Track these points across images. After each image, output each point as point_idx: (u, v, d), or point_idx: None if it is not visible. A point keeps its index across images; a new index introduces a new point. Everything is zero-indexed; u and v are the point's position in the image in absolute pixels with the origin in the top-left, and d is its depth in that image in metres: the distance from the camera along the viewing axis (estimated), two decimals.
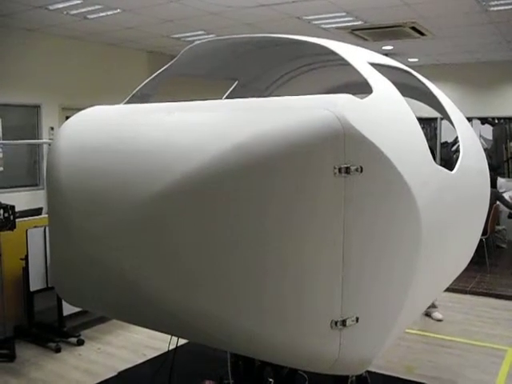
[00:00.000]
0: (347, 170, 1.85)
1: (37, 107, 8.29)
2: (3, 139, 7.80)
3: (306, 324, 1.95)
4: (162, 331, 2.33)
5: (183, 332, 2.25)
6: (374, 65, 2.50)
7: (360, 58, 2.54)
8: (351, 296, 1.97)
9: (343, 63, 2.52)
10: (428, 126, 10.86)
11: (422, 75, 3.14)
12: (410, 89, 3.23)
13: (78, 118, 2.61)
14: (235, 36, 2.92)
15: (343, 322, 1.95)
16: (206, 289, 1.97)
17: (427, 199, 2.20)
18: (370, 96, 2.14)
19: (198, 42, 2.90)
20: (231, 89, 3.81)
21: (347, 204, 1.89)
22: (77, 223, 2.26)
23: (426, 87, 3.08)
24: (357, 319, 1.98)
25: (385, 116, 2.13)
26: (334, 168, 1.84)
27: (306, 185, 1.85)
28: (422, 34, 7.83)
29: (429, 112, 3.79)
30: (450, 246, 2.67)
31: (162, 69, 3.05)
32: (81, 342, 5.00)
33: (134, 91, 3.12)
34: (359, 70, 2.34)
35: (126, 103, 3.01)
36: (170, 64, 3.02)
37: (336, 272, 1.92)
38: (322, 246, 1.91)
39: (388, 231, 2.05)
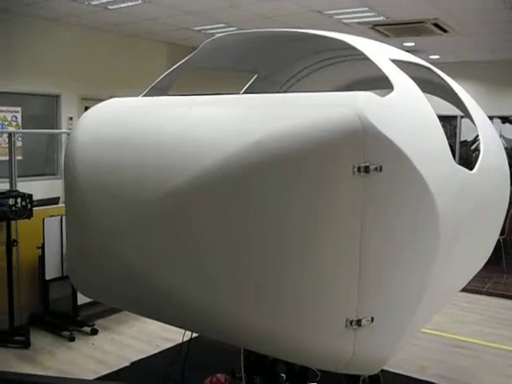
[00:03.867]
0: (366, 169, 1.82)
1: (56, 97, 8.34)
2: (22, 128, 7.86)
3: (320, 323, 1.94)
4: (175, 325, 2.33)
5: (197, 327, 2.24)
6: (395, 61, 2.47)
7: (381, 54, 2.51)
8: (367, 296, 1.95)
9: (363, 58, 2.49)
10: (448, 124, 10.76)
11: (444, 72, 3.10)
12: (430, 85, 3.19)
13: (96, 110, 2.61)
14: (256, 30, 2.90)
15: (358, 322, 1.93)
16: (223, 285, 1.96)
17: (446, 199, 2.17)
18: (391, 94, 2.11)
19: (219, 35, 2.88)
20: (250, 82, 3.79)
21: (366, 203, 1.87)
22: (93, 216, 2.26)
23: (447, 84, 3.04)
24: (372, 319, 1.97)
25: (405, 114, 2.10)
26: (353, 167, 1.81)
27: (324, 183, 1.84)
28: (444, 30, 7.74)
29: (449, 110, 3.74)
30: (468, 246, 2.63)
31: (182, 61, 3.04)
32: (94, 332, 5.05)
33: (153, 83, 3.11)
34: (380, 66, 2.31)
35: (144, 95, 3.01)
36: (189, 56, 3.01)
37: (353, 271, 1.90)
38: (340, 245, 1.89)
39: (406, 231, 2.03)
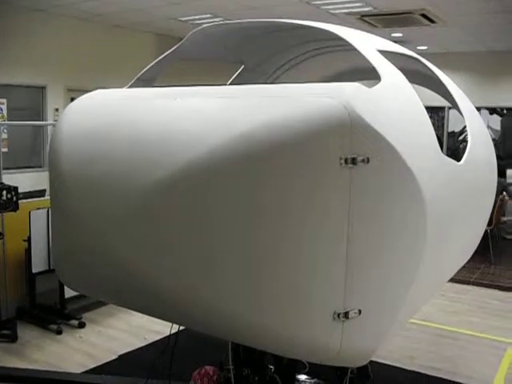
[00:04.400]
0: (353, 161, 1.81)
1: (42, 88, 8.24)
2: (8, 120, 7.77)
3: (307, 316, 1.93)
4: (160, 318, 2.31)
5: (182, 320, 2.23)
6: (382, 52, 2.45)
7: (368, 44, 2.49)
8: (354, 288, 1.94)
9: (351, 48, 2.48)
10: (436, 115, 10.78)
11: (431, 63, 3.09)
12: (418, 76, 3.18)
13: (81, 102, 2.57)
14: (242, 20, 2.87)
15: (346, 314, 1.92)
16: (208, 278, 1.94)
17: (434, 191, 2.16)
18: (378, 85, 2.09)
19: (204, 25, 2.84)
20: (237, 73, 3.76)
21: (353, 195, 1.85)
22: (76, 209, 2.23)
23: (435, 75, 3.03)
24: (359, 311, 1.96)
25: (393, 106, 2.09)
26: (340, 158, 1.80)
27: (310, 175, 1.82)
28: (432, 21, 7.73)
29: (437, 100, 3.73)
30: (455, 237, 2.64)
31: (168, 52, 3.00)
32: (82, 325, 5.02)
33: (139, 74, 3.07)
34: (368, 57, 2.29)
35: (130, 87, 2.97)
36: (175, 47, 2.98)
37: (340, 263, 1.89)
38: (326, 237, 1.88)
39: (393, 223, 2.02)
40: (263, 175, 1.84)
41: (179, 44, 2.95)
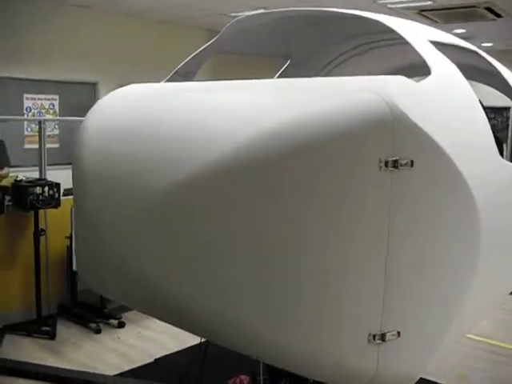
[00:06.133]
0: (395, 164, 1.60)
1: (94, 85, 8.29)
2: (60, 116, 7.85)
3: (340, 337, 1.73)
4: (184, 330, 2.15)
5: (208, 335, 2.06)
6: (436, 43, 2.21)
7: (420, 34, 2.26)
8: (393, 307, 1.73)
9: (405, 42, 2.25)
10: (499, 115, 10.25)
11: (497, 60, 2.81)
12: (478, 72, 2.92)
13: (111, 97, 2.46)
14: (285, 9, 2.67)
15: (382, 336, 1.71)
16: (233, 293, 1.75)
17: (489, 197, 1.94)
18: (427, 79, 1.87)
19: (242, 16, 2.66)
20: (284, 67, 3.57)
21: (394, 203, 1.64)
22: (97, 210, 2.11)
23: (497, 71, 2.76)
24: (398, 333, 1.74)
25: (443, 102, 1.86)
26: (380, 161, 1.59)
27: (346, 180, 1.61)
28: (497, 15, 7.32)
29: (501, 100, 3.44)
30: None
31: (206, 45, 2.86)
32: (121, 325, 4.97)
33: (176, 68, 2.94)
34: (417, 48, 2.07)
35: (167, 81, 2.85)
36: (213, 40, 2.82)
37: (377, 279, 1.69)
38: (362, 249, 1.68)
39: (441, 233, 1.80)
40: (292, 177, 1.64)
41: (217, 36, 2.79)
